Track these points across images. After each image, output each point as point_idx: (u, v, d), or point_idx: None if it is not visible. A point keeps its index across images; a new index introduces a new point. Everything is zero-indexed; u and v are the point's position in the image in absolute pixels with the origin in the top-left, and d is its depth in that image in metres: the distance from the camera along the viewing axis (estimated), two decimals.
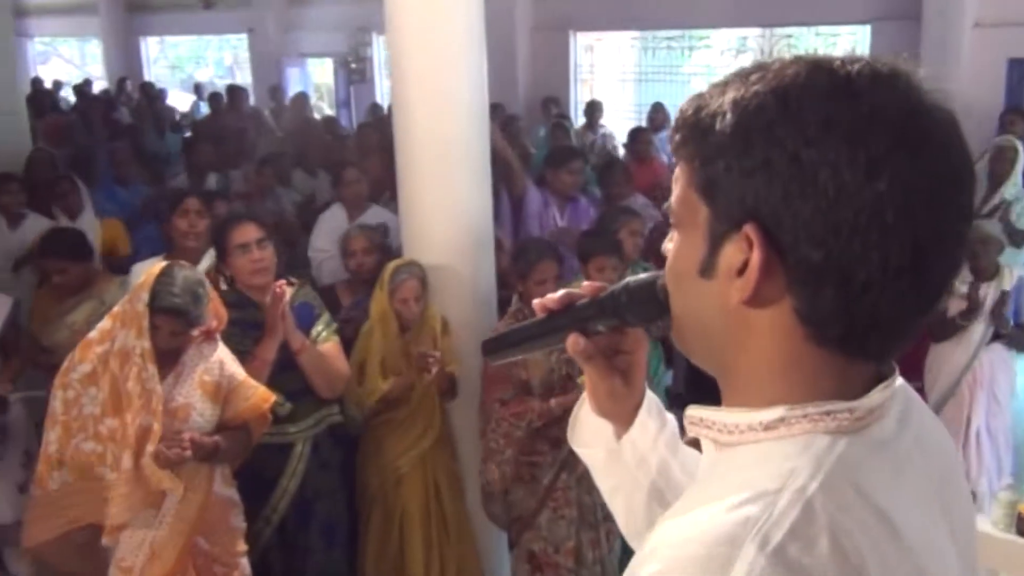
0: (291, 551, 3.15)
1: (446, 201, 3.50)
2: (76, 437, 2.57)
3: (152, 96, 11.56)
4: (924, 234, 0.70)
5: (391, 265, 3.43)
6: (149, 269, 2.67)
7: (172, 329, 2.57)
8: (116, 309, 2.65)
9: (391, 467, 3.41)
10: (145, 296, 2.54)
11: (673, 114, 8.53)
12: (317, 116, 10.19)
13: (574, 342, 0.97)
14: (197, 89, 13.44)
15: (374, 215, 4.76)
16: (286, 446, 3.14)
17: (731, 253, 0.74)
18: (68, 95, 13.27)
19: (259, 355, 2.98)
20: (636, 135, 7.02)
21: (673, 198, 0.81)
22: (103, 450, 2.54)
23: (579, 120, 9.00)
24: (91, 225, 5.22)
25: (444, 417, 3.53)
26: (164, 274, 2.59)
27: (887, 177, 0.68)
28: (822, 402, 0.74)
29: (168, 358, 2.67)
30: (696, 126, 0.76)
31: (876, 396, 0.75)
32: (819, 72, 0.72)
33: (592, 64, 10.95)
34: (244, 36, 13.73)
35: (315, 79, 14.39)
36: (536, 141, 7.87)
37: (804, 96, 0.71)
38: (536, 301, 1.00)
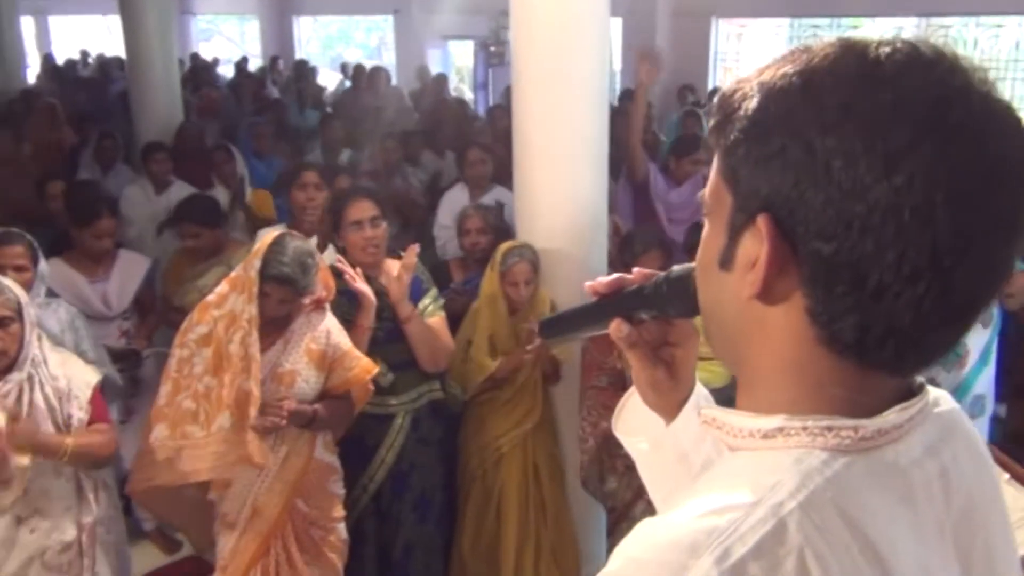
0: (385, 520, 3.23)
1: (560, 184, 3.49)
2: (180, 394, 2.71)
3: (303, 74, 12.00)
4: (946, 237, 0.63)
5: (503, 247, 3.45)
6: (263, 238, 2.78)
7: (280, 297, 2.67)
8: (232, 274, 2.78)
9: (492, 446, 3.44)
10: (257, 264, 2.64)
11: None
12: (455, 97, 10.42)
13: (616, 327, 0.96)
14: (344, 69, 13.85)
15: (496, 195, 4.80)
16: (387, 417, 3.21)
17: (748, 245, 0.71)
18: (227, 72, 13.96)
19: (358, 323, 3.05)
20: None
21: (707, 185, 0.77)
22: (196, 408, 2.66)
23: None
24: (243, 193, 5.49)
25: (547, 400, 3.53)
26: (276, 243, 2.69)
27: (906, 171, 0.62)
28: (825, 416, 0.70)
29: (278, 325, 2.78)
30: (727, 109, 0.72)
31: (892, 417, 0.70)
32: (848, 55, 0.67)
33: (739, 52, 10.69)
34: (390, 17, 14.07)
35: (456, 61, 14.61)
36: (667, 128, 7.73)
37: (827, 81, 0.67)
38: (587, 284, 0.99)
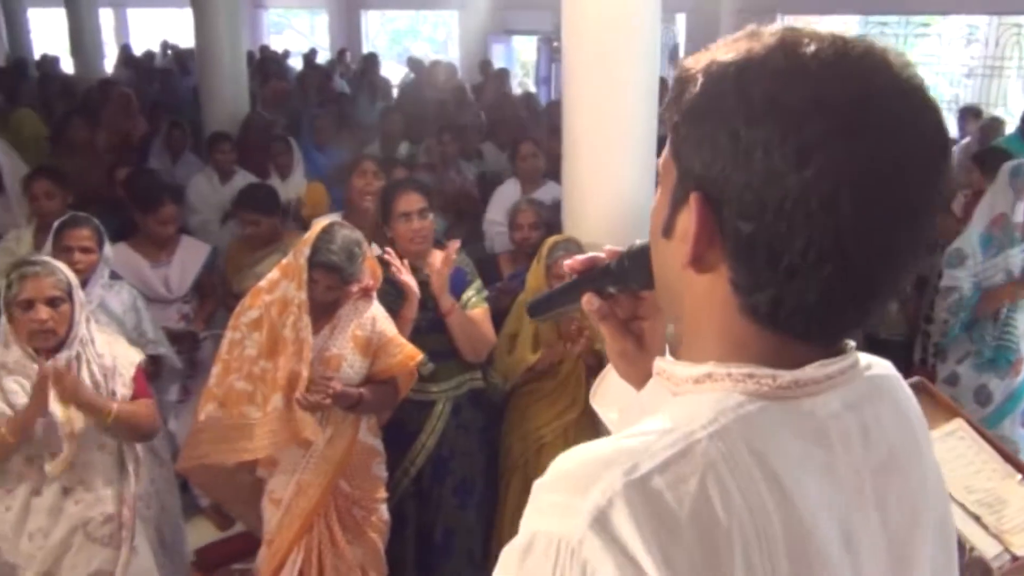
0: (426, 504, 3.31)
1: (608, 181, 3.53)
2: (232, 375, 2.82)
3: (369, 67, 12.17)
4: (849, 226, 0.69)
5: (549, 241, 3.50)
6: (314, 226, 2.88)
7: (328, 284, 2.77)
8: (283, 261, 2.89)
9: (534, 435, 3.50)
10: (307, 251, 2.74)
11: None
12: (521, 91, 10.45)
13: (588, 301, 1.03)
14: (409, 62, 14.01)
15: (549, 191, 4.84)
16: (428, 404, 3.29)
17: (685, 218, 0.77)
18: (297, 64, 14.22)
19: (402, 314, 3.14)
20: None
21: (661, 156, 0.84)
22: (253, 390, 2.77)
23: None
24: (297, 186, 5.64)
25: (589, 392, 3.57)
26: (325, 232, 2.79)
27: (816, 165, 0.68)
28: (747, 364, 0.76)
29: (326, 310, 2.88)
30: (677, 90, 0.78)
31: (809, 371, 0.76)
32: (782, 48, 0.72)
33: None
34: (455, 12, 14.19)
35: (521, 56, 14.67)
36: None
37: (757, 73, 0.72)
38: (566, 263, 1.06)
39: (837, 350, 0.79)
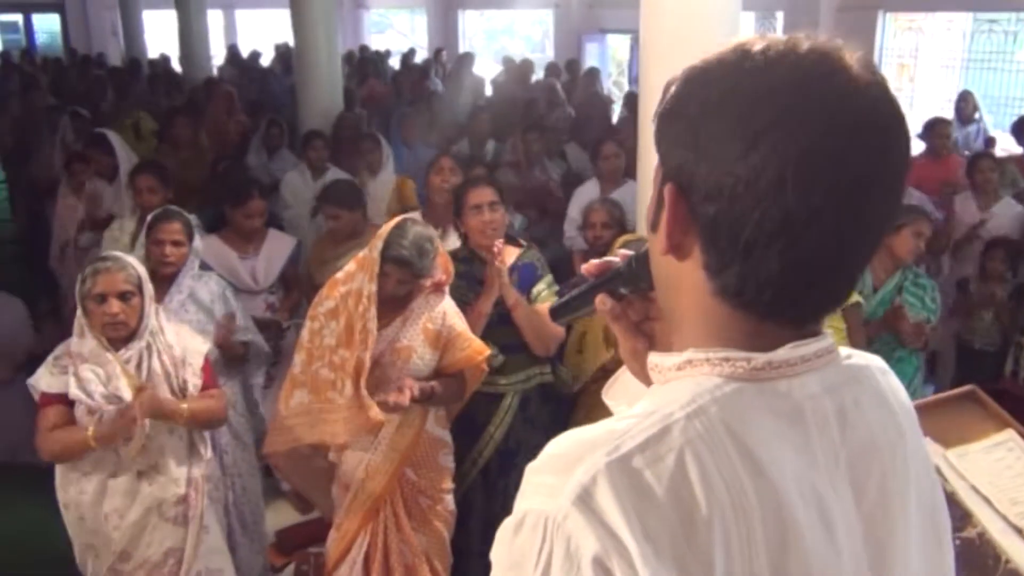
0: (492, 495, 3.37)
1: None
2: (315, 363, 2.93)
3: (464, 66, 12.31)
4: (795, 205, 0.74)
5: (620, 240, 3.52)
6: (388, 221, 2.97)
7: (399, 277, 2.85)
8: (360, 254, 2.98)
9: None
10: (379, 245, 2.84)
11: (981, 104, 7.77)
12: (617, 91, 10.43)
13: (600, 302, 1.06)
14: (504, 61, 14.13)
15: (629, 190, 4.85)
16: (496, 396, 3.36)
17: (664, 208, 0.83)
18: (396, 63, 14.51)
19: (476, 307, 3.21)
20: (932, 127, 6.48)
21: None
22: (335, 377, 2.88)
23: None
24: (387, 182, 5.73)
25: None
26: (398, 227, 2.87)
27: (763, 150, 0.74)
28: (723, 348, 0.81)
29: (398, 303, 2.97)
30: (663, 94, 0.85)
31: (782, 352, 0.80)
32: (737, 50, 0.79)
33: (916, 47, 10.20)
34: (550, 11, 14.23)
35: (616, 55, 14.61)
36: None
37: (715, 74, 0.80)
38: (583, 266, 1.09)
39: (811, 332, 0.83)
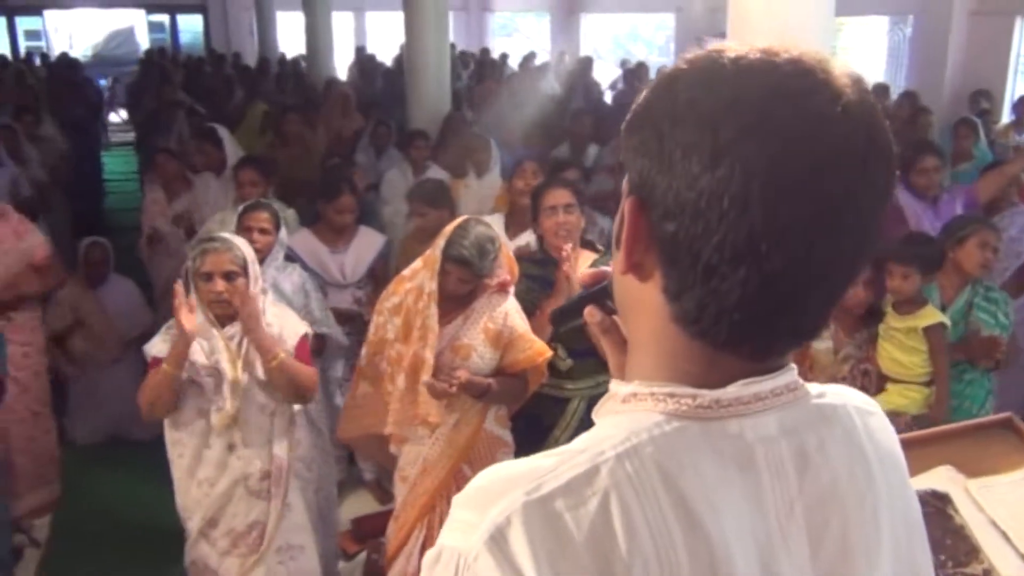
0: None
1: None
2: (377, 356, 3.01)
3: (583, 70, 12.30)
4: (761, 225, 0.68)
5: None
6: (453, 221, 3.02)
7: (459, 276, 2.89)
8: (426, 252, 3.04)
9: None
10: (442, 244, 2.88)
11: None
12: None
13: (589, 313, 1.02)
14: (623, 65, 14.05)
15: None
16: (563, 400, 3.35)
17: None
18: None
19: (545, 309, 3.22)
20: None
21: None
22: (391, 371, 2.95)
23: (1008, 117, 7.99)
24: (493, 183, 5.70)
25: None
26: (461, 227, 2.91)
27: (728, 164, 0.68)
28: (671, 384, 0.76)
29: (461, 301, 3.01)
30: (636, 96, 0.80)
31: (732, 390, 0.75)
32: (708, 57, 0.74)
33: None
34: (672, 15, 14.07)
35: None
36: (943, 136, 7.15)
37: (684, 79, 0.74)
38: (579, 274, 1.07)
39: (774, 367, 0.77)
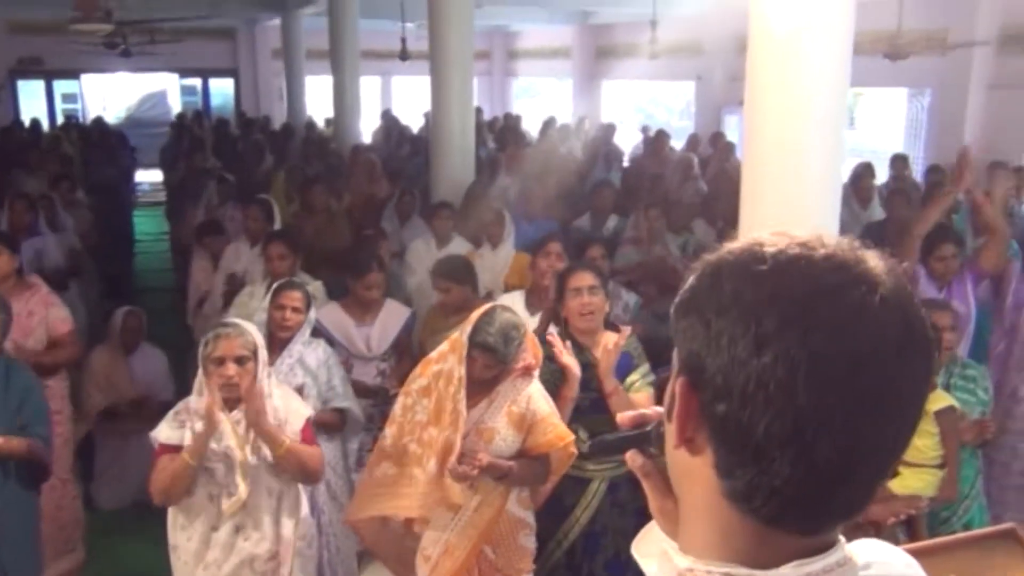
0: None
1: None
2: (405, 438, 3.07)
3: (605, 136, 12.45)
4: (807, 412, 0.73)
5: None
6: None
7: (484, 362, 2.96)
8: (453, 336, 3.11)
9: None
10: (468, 330, 2.96)
11: None
12: None
13: (631, 458, 1.05)
14: (644, 131, 14.22)
15: None
16: (584, 481, 3.40)
17: (677, 400, 0.83)
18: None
19: (562, 393, 3.28)
20: None
21: None
22: (421, 453, 3.01)
23: None
24: (507, 254, 5.74)
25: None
26: (487, 314, 2.99)
27: (772, 353, 0.74)
28: (726, 564, 0.80)
29: (486, 385, 3.07)
30: (685, 281, 0.86)
31: (785, 571, 0.78)
32: (748, 248, 0.81)
33: None
34: (692, 83, 14.29)
35: None
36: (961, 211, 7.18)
37: (727, 271, 0.80)
38: (618, 416, 1.10)
39: (823, 544, 0.81)
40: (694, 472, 0.83)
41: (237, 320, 3.23)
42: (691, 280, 0.84)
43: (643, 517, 3.39)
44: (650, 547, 1.16)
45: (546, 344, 3.27)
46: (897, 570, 0.87)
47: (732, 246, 0.83)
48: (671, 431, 0.84)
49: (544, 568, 3.29)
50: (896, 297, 0.77)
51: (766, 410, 0.74)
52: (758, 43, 3.48)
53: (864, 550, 0.85)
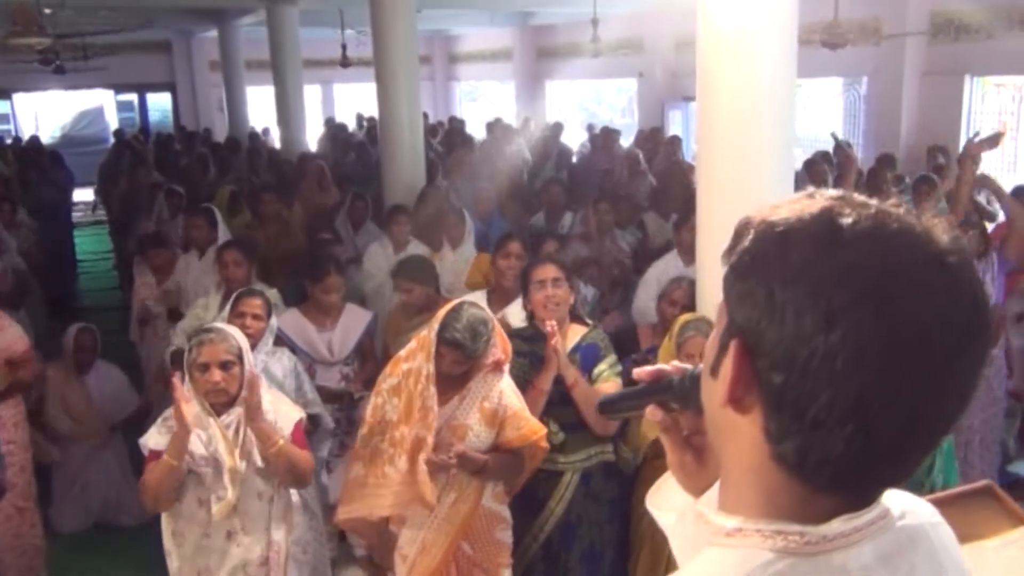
0: (553, 569, 3.42)
1: None
2: (376, 437, 3.05)
3: (552, 136, 12.45)
4: (872, 390, 0.73)
5: (682, 319, 3.54)
6: (446, 304, 3.10)
7: (453, 358, 2.96)
8: (421, 333, 3.11)
9: None
10: (436, 327, 2.96)
11: None
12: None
13: (651, 412, 1.07)
14: (589, 129, 14.32)
15: None
16: (556, 473, 3.42)
17: (727, 361, 0.82)
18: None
19: (536, 384, 3.30)
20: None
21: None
22: (393, 452, 3.00)
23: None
24: (468, 255, 5.74)
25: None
26: (454, 310, 2.99)
27: (841, 329, 0.72)
28: (775, 520, 0.80)
29: (457, 381, 3.07)
30: (735, 239, 0.83)
31: (836, 525, 0.79)
32: (821, 217, 0.78)
33: (1019, 103, 9.98)
34: (634, 80, 14.44)
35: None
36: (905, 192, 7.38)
37: (796, 239, 0.77)
38: (635, 371, 1.10)
39: (867, 499, 0.82)
40: (740, 431, 0.82)
41: (220, 324, 3.19)
42: (748, 240, 0.80)
43: (616, 506, 3.49)
44: (665, 500, 1.18)
45: (539, 331, 3.25)
46: (925, 518, 0.88)
47: (794, 209, 0.79)
48: (715, 387, 0.83)
49: (522, 562, 3.30)
50: (966, 275, 0.77)
51: (829, 385, 0.73)
52: (707, 39, 3.54)
53: (895, 500, 0.86)
